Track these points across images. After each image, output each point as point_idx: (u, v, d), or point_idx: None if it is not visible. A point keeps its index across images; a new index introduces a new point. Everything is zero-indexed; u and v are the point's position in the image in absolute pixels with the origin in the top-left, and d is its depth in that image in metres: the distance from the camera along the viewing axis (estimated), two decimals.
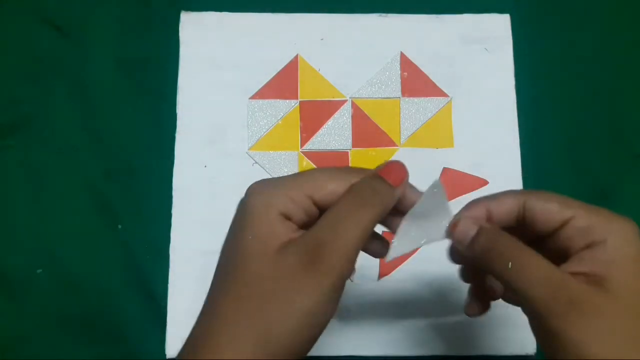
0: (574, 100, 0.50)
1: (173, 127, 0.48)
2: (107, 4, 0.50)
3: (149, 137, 0.48)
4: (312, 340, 0.27)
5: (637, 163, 0.49)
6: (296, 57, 0.50)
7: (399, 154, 0.48)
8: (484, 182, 0.47)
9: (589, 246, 0.26)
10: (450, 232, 0.29)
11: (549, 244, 0.27)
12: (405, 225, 0.29)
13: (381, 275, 0.46)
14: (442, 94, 0.49)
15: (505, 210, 0.28)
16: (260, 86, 0.49)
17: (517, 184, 0.47)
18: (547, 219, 0.27)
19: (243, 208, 0.27)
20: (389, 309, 0.45)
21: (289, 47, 0.50)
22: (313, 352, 0.44)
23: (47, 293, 0.45)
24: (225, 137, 0.47)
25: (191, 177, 0.47)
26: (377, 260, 0.46)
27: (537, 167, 0.48)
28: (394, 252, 0.29)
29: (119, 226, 0.46)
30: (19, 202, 0.46)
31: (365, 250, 0.30)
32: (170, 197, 0.46)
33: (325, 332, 0.43)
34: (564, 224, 0.26)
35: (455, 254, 0.31)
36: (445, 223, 0.29)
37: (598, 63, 0.51)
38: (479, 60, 0.50)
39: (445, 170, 0.48)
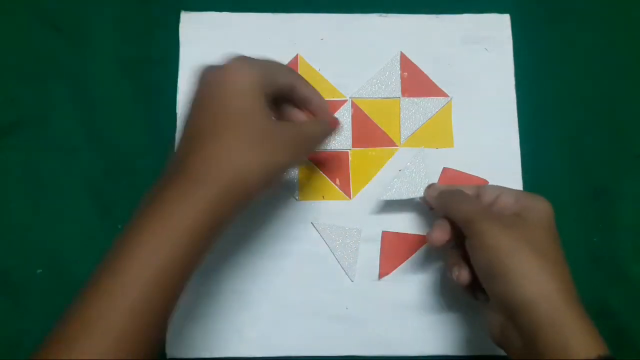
0: (574, 100, 0.50)
1: (173, 127, 0.48)
2: (107, 4, 0.50)
3: (149, 137, 0.48)
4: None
5: (637, 163, 0.49)
6: (296, 57, 0.50)
7: (399, 154, 0.48)
8: (484, 182, 0.47)
9: (515, 203, 0.39)
10: (426, 191, 0.45)
11: None
12: (396, 181, 0.46)
13: (381, 275, 0.46)
14: (442, 93, 0.49)
15: (468, 191, 0.42)
16: None
17: (517, 183, 0.47)
18: (490, 192, 0.41)
19: (224, 79, 0.34)
20: (389, 309, 0.45)
21: (289, 47, 0.50)
22: (313, 352, 0.44)
23: (47, 293, 0.45)
24: None
25: None
26: (377, 260, 0.46)
27: (537, 167, 0.48)
28: (387, 196, 0.45)
29: (119, 226, 0.46)
30: (19, 202, 0.46)
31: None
32: None
33: (325, 332, 0.43)
34: (500, 194, 0.40)
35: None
36: (424, 184, 0.45)
37: (598, 62, 0.51)
38: (479, 60, 0.50)
39: (445, 170, 0.48)
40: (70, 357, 0.28)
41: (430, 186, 0.45)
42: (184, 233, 0.30)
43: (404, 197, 0.45)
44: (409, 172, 0.46)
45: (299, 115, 0.40)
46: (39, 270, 0.45)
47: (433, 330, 0.45)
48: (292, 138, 0.36)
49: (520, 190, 0.41)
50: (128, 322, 0.29)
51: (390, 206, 0.47)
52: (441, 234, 0.40)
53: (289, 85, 0.38)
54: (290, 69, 0.39)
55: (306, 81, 0.39)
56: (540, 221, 0.37)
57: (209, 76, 0.35)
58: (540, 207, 0.38)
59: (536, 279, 0.34)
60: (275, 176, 0.35)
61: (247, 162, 0.32)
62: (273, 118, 0.36)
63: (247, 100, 0.33)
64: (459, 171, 0.48)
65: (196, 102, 0.34)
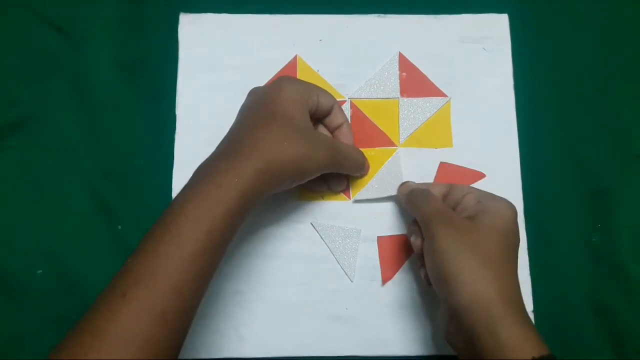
0: (573, 100, 0.50)
1: (172, 128, 0.48)
2: (107, 5, 0.50)
3: (149, 138, 0.48)
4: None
5: (636, 163, 0.49)
6: (295, 57, 0.50)
7: (398, 154, 0.48)
8: (482, 175, 0.47)
9: (476, 204, 0.41)
10: (398, 189, 0.46)
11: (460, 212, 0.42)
12: (373, 181, 0.47)
13: (384, 281, 0.46)
14: (440, 94, 0.49)
15: (439, 189, 0.44)
16: None
17: (516, 183, 0.47)
18: (458, 191, 0.43)
19: (280, 92, 0.41)
20: (389, 309, 0.45)
21: (287, 48, 0.50)
22: (313, 352, 0.44)
23: (47, 293, 0.45)
24: None
25: None
26: (377, 260, 0.46)
27: (536, 167, 0.48)
28: (361, 195, 0.47)
29: (119, 227, 0.46)
30: (19, 202, 0.47)
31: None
32: (170, 197, 0.46)
33: (325, 332, 0.43)
34: (466, 194, 0.42)
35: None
36: (398, 184, 0.46)
37: (597, 62, 0.51)
38: (478, 60, 0.50)
39: (442, 165, 0.48)
40: (130, 304, 0.32)
41: (402, 184, 0.46)
42: (232, 197, 0.35)
43: (380, 195, 0.47)
44: (386, 171, 0.46)
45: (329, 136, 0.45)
46: (39, 271, 0.45)
47: (432, 330, 0.45)
48: (326, 144, 0.42)
49: (486, 192, 0.42)
50: (185, 272, 0.33)
51: (390, 206, 0.47)
52: (415, 239, 0.41)
53: (328, 106, 0.44)
54: (332, 95, 0.45)
55: (342, 109, 0.46)
56: (493, 225, 0.38)
57: (263, 89, 0.42)
58: (498, 211, 0.39)
59: (475, 284, 0.35)
60: (307, 170, 0.40)
61: (285, 148, 0.38)
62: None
63: (293, 106, 0.41)
64: (456, 165, 0.48)
65: (249, 107, 0.42)
